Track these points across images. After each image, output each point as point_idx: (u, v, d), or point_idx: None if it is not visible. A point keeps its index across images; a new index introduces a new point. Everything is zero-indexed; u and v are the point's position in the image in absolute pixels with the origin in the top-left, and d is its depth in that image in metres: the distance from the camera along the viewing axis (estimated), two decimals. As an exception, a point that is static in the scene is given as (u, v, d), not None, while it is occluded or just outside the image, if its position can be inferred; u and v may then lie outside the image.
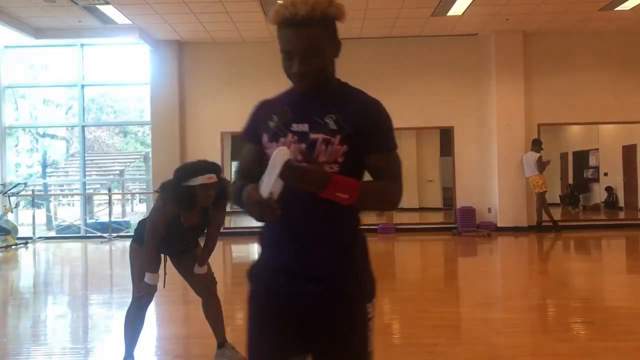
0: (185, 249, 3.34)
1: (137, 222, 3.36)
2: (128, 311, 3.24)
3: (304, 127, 1.58)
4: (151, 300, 3.22)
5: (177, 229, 3.09)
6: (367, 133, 1.56)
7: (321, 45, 1.57)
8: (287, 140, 1.58)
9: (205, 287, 3.35)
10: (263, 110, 1.71)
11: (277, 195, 1.41)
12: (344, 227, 1.62)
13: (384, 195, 1.60)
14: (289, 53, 1.56)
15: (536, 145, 10.00)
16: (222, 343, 3.39)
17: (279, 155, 1.40)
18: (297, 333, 1.61)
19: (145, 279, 3.04)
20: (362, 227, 1.68)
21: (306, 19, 1.51)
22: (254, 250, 9.46)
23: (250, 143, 1.74)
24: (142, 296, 3.13)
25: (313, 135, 1.56)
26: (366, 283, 1.66)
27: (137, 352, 3.74)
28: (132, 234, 3.32)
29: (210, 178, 2.94)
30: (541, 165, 9.82)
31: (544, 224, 9.88)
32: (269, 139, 1.63)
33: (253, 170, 1.61)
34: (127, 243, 10.28)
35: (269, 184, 1.40)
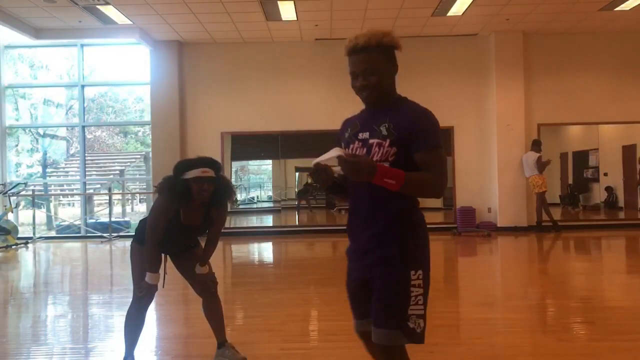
0: (186, 248, 3.32)
1: (138, 221, 3.32)
2: (128, 311, 3.24)
3: (366, 135, 2.09)
4: (151, 300, 3.21)
5: (177, 227, 3.08)
6: (412, 136, 1.99)
7: (377, 66, 2.05)
8: (354, 146, 2.11)
9: (206, 287, 3.33)
10: (344, 126, 2.31)
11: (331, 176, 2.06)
12: (392, 211, 2.03)
13: (425, 183, 1.97)
14: (354, 73, 2.08)
15: (536, 145, 10.03)
16: (222, 343, 3.39)
17: (334, 150, 1.94)
18: (367, 297, 2.09)
19: (146, 279, 3.03)
20: (417, 214, 2.10)
21: (364, 47, 2.03)
22: (254, 250, 9.47)
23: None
24: (142, 296, 3.12)
25: (371, 141, 2.05)
26: (409, 254, 2.03)
27: (137, 352, 3.75)
28: (133, 233, 3.30)
29: (204, 172, 2.96)
30: (541, 165, 9.84)
31: (543, 223, 9.89)
32: (344, 147, 2.17)
33: None
34: (128, 243, 10.29)
35: (319, 159, 1.99)
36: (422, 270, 2.04)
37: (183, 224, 3.10)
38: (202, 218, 3.15)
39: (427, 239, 2.12)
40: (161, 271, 3.20)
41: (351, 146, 2.13)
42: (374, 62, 2.05)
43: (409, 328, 2.01)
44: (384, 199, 2.01)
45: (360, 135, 2.11)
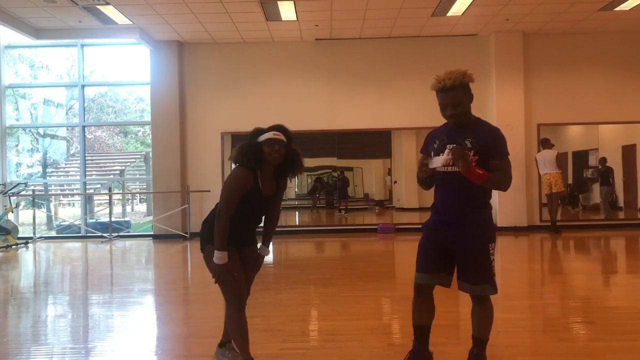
0: (252, 237, 3.23)
1: (201, 224, 3.23)
2: (228, 315, 3.13)
3: (454, 146, 2.82)
4: (246, 296, 3.12)
5: (258, 197, 3.05)
6: (489, 147, 2.82)
7: (460, 99, 2.84)
8: (444, 154, 2.84)
9: (250, 282, 3.29)
10: (430, 137, 3.04)
11: (432, 169, 2.88)
12: (477, 198, 2.89)
13: (500, 180, 2.84)
14: (444, 105, 2.87)
15: (547, 143, 9.93)
16: (226, 342, 3.36)
17: (446, 153, 2.84)
18: (446, 259, 2.94)
19: (214, 259, 2.94)
20: (488, 200, 2.96)
21: (450, 87, 2.81)
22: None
23: (422, 154, 3.04)
24: (220, 281, 2.99)
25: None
26: (488, 231, 2.93)
27: (137, 352, 3.75)
28: (200, 239, 3.17)
29: (276, 134, 3.02)
30: (559, 162, 9.78)
31: (540, 224, 9.88)
32: (434, 154, 2.92)
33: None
34: (128, 243, 10.29)
35: (435, 162, 2.86)
36: (494, 242, 2.95)
37: (262, 194, 3.06)
38: (275, 187, 3.15)
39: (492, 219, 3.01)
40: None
41: (441, 154, 2.86)
42: (457, 97, 2.82)
43: (494, 283, 2.94)
44: (471, 190, 2.82)
45: (449, 147, 2.82)
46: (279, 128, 3.08)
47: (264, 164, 3.01)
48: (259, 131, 3.08)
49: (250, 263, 3.22)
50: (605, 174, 12.84)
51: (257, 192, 3.03)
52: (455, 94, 2.80)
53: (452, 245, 2.90)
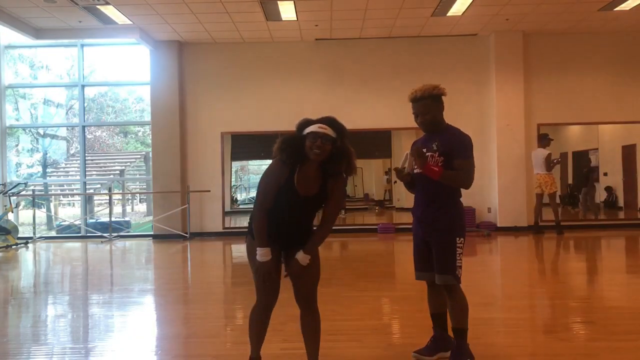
0: (301, 236, 2.92)
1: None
2: (252, 312, 3.04)
3: (425, 150, 3.19)
4: (275, 298, 2.98)
5: (291, 195, 2.78)
6: (452, 149, 3.13)
7: (428, 109, 3.17)
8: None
9: (305, 295, 3.01)
10: (414, 144, 3.33)
11: (407, 174, 3.30)
12: (443, 198, 3.19)
13: (456, 177, 3.13)
14: (415, 114, 3.22)
15: (543, 140, 9.74)
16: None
17: (405, 155, 3.35)
18: (431, 255, 3.22)
19: (257, 256, 2.80)
20: (458, 198, 3.27)
21: (419, 97, 3.18)
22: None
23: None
24: (261, 282, 2.86)
25: (428, 153, 3.17)
26: (454, 226, 3.18)
27: (137, 352, 3.75)
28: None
29: (321, 127, 2.73)
30: (549, 163, 9.60)
31: (542, 223, 9.87)
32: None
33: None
34: (128, 243, 10.29)
35: (403, 163, 3.38)
36: (462, 237, 3.19)
37: (298, 192, 2.79)
38: (319, 188, 2.84)
39: (464, 215, 3.29)
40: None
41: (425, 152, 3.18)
42: (427, 107, 3.16)
43: (456, 274, 3.16)
44: (438, 190, 3.15)
45: (424, 150, 3.18)
46: (327, 120, 2.79)
47: (305, 159, 2.75)
48: (306, 122, 2.80)
49: (295, 266, 2.92)
50: (586, 175, 12.88)
51: (292, 190, 2.78)
52: (424, 103, 3.16)
53: (427, 239, 3.23)
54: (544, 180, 9.65)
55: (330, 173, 2.83)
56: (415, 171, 3.24)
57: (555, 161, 9.81)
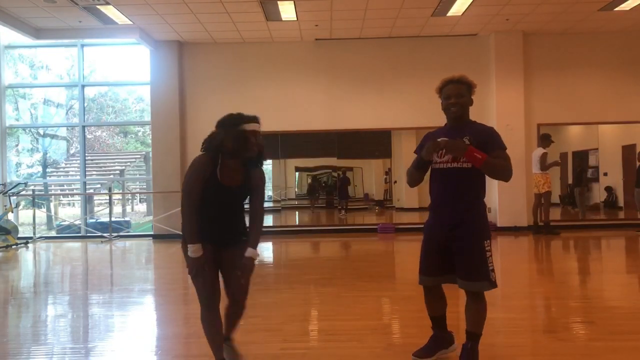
0: (236, 233, 3.07)
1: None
2: (201, 317, 3.08)
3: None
4: (218, 297, 3.02)
5: (216, 188, 2.93)
6: (486, 142, 3.01)
7: (464, 93, 3.13)
8: (443, 152, 3.03)
9: (245, 290, 3.11)
10: (428, 138, 3.17)
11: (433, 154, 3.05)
12: (471, 198, 3.05)
13: (501, 167, 2.99)
14: (448, 95, 3.13)
15: (544, 140, 9.67)
16: (227, 337, 3.25)
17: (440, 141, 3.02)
18: (446, 259, 3.06)
19: (188, 253, 2.85)
20: (483, 198, 3.12)
21: (457, 79, 3.17)
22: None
23: (417, 154, 3.16)
24: (193, 274, 2.90)
25: None
26: (483, 228, 3.04)
27: (137, 352, 3.75)
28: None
29: (258, 126, 2.99)
30: (544, 162, 9.53)
31: (540, 223, 9.87)
32: (436, 155, 3.09)
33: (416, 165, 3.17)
34: (128, 243, 10.30)
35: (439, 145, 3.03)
36: (489, 238, 3.04)
37: (223, 184, 2.94)
38: (243, 178, 3.02)
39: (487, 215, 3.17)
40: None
41: (439, 152, 3.03)
42: (463, 90, 3.12)
43: (491, 280, 3.02)
44: (465, 189, 3.03)
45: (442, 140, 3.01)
46: (255, 119, 3.00)
47: (246, 152, 2.95)
48: (239, 119, 2.98)
49: (234, 266, 3.01)
50: (579, 174, 12.90)
51: (217, 183, 2.93)
52: (461, 86, 3.11)
53: (450, 243, 3.04)
54: (538, 180, 9.64)
55: (252, 164, 3.04)
56: (436, 166, 3.07)
57: (554, 162, 9.76)
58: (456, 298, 4.77)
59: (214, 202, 2.95)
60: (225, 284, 3.11)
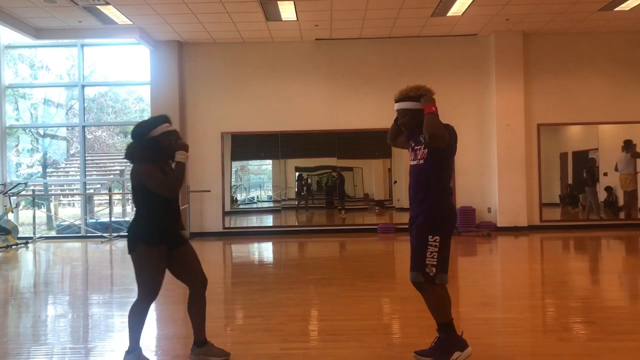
0: (179, 233, 3.35)
1: (128, 228, 3.32)
2: (133, 309, 3.25)
3: (414, 144, 3.29)
4: (157, 293, 3.26)
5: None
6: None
7: (405, 114, 3.29)
8: (413, 146, 3.31)
9: (200, 278, 3.38)
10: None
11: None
12: (426, 192, 3.17)
13: (438, 124, 3.08)
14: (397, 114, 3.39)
15: (629, 147, 10.65)
16: (204, 341, 3.39)
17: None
18: None
19: (181, 157, 3.17)
20: (444, 201, 3.20)
21: (397, 100, 3.32)
22: (254, 250, 9.47)
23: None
24: (141, 270, 3.20)
25: (417, 146, 3.25)
26: (432, 223, 3.12)
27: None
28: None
29: (167, 126, 3.16)
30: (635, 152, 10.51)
31: (541, 223, 9.87)
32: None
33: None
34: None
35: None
36: (437, 234, 3.10)
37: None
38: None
39: (449, 216, 3.22)
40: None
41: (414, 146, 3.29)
42: (402, 111, 3.29)
43: (424, 272, 3.11)
44: (423, 190, 3.17)
45: (412, 145, 3.29)
46: (162, 118, 3.18)
47: (166, 155, 3.16)
48: (148, 125, 3.14)
49: (185, 262, 3.33)
50: (590, 173, 12.89)
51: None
52: (400, 109, 3.31)
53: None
54: (624, 179, 10.63)
55: (172, 160, 3.22)
56: (410, 163, 3.29)
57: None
58: (456, 298, 4.78)
59: (166, 201, 3.17)
60: (183, 277, 3.38)
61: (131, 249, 3.18)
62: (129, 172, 3.28)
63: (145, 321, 3.27)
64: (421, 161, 3.17)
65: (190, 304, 3.39)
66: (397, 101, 3.29)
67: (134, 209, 3.41)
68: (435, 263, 3.09)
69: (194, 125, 10.77)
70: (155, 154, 3.12)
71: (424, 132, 3.10)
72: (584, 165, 14.97)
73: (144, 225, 3.17)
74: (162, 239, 3.16)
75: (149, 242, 3.13)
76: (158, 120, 3.17)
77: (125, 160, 3.30)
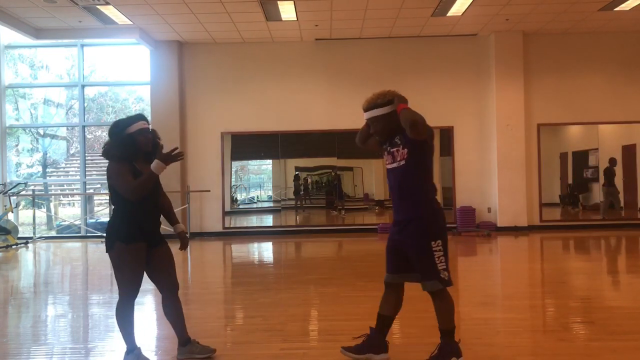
0: (158, 235, 3.42)
1: (105, 227, 3.40)
2: (118, 309, 3.29)
3: (390, 147, 3.18)
4: (138, 290, 3.28)
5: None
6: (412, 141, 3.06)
7: (377, 120, 3.17)
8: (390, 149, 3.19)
9: (173, 282, 3.40)
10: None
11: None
12: (413, 195, 3.08)
13: (414, 116, 2.97)
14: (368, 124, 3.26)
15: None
16: (187, 340, 3.42)
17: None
18: (402, 259, 3.15)
19: (156, 169, 3.17)
20: (432, 200, 3.12)
21: (366, 109, 3.21)
22: (253, 250, 9.47)
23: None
24: (121, 268, 3.25)
25: (393, 149, 3.15)
26: (430, 228, 3.04)
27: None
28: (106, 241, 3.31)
29: (143, 124, 3.22)
30: None
31: (541, 223, 9.88)
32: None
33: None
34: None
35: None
36: (439, 239, 3.04)
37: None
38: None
39: (439, 216, 3.13)
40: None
41: (390, 149, 3.19)
42: (373, 119, 3.17)
43: (440, 278, 3.03)
44: (409, 193, 3.08)
45: (389, 148, 3.18)
46: (139, 117, 3.24)
47: (140, 154, 3.21)
48: (125, 123, 3.20)
49: (160, 265, 3.36)
50: (609, 174, 12.84)
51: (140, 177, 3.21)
52: (371, 117, 3.21)
53: (400, 244, 3.14)
54: None
55: (149, 158, 3.24)
56: (387, 166, 3.18)
57: None
58: (455, 298, 4.78)
59: (140, 202, 3.20)
60: (155, 279, 3.40)
61: (109, 248, 3.24)
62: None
63: (133, 319, 3.29)
64: (402, 162, 3.06)
65: (165, 307, 3.43)
66: (366, 110, 3.18)
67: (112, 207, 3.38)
68: (445, 267, 3.04)
69: (194, 125, 10.78)
70: (131, 151, 3.16)
71: (403, 125, 2.98)
72: (583, 165, 14.96)
73: (121, 223, 3.21)
74: (139, 237, 3.19)
75: (125, 239, 3.17)
76: (134, 118, 3.22)
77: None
